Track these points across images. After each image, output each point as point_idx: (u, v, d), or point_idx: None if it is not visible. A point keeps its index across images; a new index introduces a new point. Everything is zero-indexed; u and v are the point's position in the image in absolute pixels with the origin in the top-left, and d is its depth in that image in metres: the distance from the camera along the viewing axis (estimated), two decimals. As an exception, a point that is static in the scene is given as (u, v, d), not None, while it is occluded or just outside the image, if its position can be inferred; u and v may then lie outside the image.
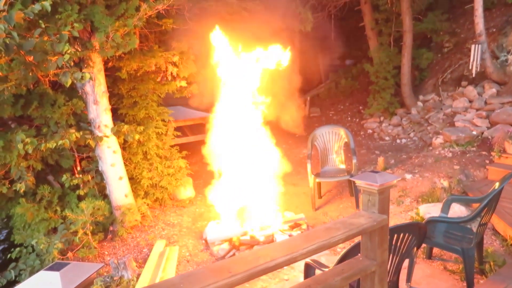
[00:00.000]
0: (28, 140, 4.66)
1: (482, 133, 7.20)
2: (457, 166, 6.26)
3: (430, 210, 4.98)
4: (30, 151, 4.71)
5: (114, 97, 6.14)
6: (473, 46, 7.93)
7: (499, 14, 9.42)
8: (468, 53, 8.45)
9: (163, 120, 6.47)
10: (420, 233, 2.87)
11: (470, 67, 8.09)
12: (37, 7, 3.62)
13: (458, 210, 4.77)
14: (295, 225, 5.39)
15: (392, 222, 5.04)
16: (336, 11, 10.45)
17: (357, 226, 2.10)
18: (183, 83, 6.29)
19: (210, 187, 5.99)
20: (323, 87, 13.21)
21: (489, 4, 9.46)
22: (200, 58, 5.98)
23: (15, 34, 3.49)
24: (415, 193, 5.84)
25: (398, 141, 9.13)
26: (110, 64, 5.59)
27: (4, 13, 3.47)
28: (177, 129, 7.07)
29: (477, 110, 7.83)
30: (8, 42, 3.51)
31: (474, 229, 3.55)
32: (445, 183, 5.71)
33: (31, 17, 3.66)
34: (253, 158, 5.70)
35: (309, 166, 5.92)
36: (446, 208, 4.13)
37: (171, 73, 5.97)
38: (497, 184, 3.55)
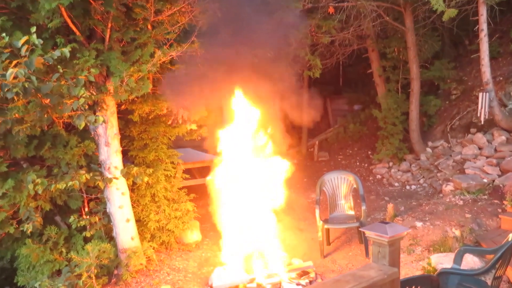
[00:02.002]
0: (38, 180, 4.68)
1: (493, 181, 7.11)
2: (468, 214, 6.15)
3: (442, 261, 4.84)
4: (40, 192, 4.73)
5: (125, 139, 6.22)
6: (480, 94, 7.99)
7: (505, 63, 9.58)
8: (476, 100, 8.51)
9: (172, 163, 6.51)
10: (432, 285, 2.80)
11: (479, 115, 8.11)
12: (57, 53, 3.76)
13: (471, 261, 4.64)
14: (303, 273, 5.25)
15: (403, 272, 4.91)
16: (344, 58, 10.71)
17: (367, 280, 2.06)
18: (193, 126, 6.39)
19: (217, 231, 5.92)
20: (332, 131, 13.29)
21: (495, 54, 9.65)
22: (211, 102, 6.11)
23: (34, 78, 3.61)
24: (426, 241, 5.71)
25: (407, 187, 9.03)
26: (123, 106, 5.71)
27: (25, 59, 3.62)
28: (185, 171, 7.09)
29: (487, 157, 7.78)
30: (27, 86, 3.63)
31: (489, 282, 3.43)
32: (457, 232, 5.59)
33: (50, 63, 3.81)
34: (260, 202, 5.67)
35: (317, 212, 5.85)
36: (458, 259, 4.02)
37: (182, 116, 6.08)
38: (510, 236, 3.48)
